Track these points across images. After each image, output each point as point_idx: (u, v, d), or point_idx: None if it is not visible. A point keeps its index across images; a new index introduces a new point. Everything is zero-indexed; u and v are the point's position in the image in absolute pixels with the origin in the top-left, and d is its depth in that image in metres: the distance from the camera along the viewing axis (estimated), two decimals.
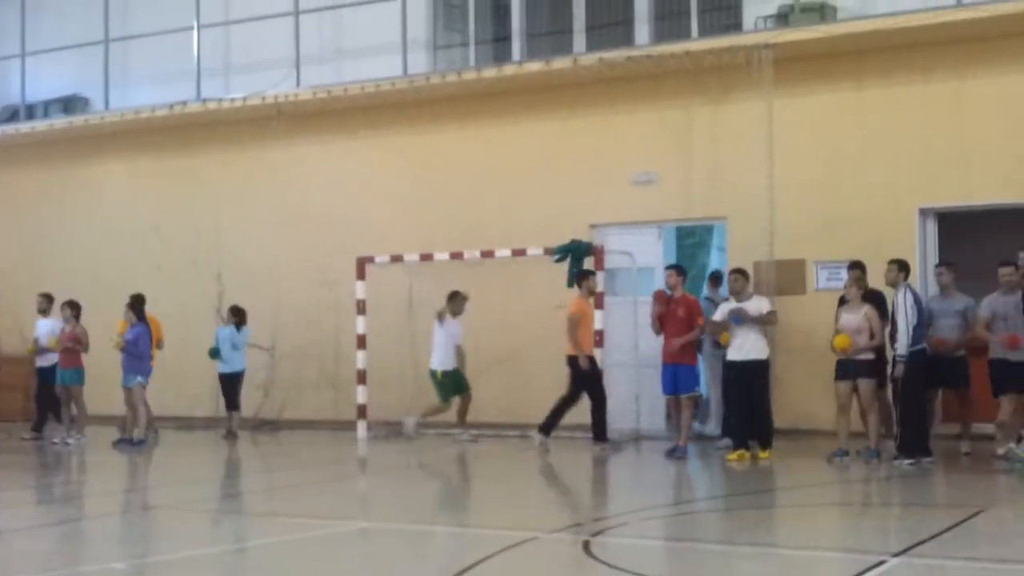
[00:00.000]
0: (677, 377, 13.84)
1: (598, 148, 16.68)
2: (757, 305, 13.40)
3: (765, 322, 13.40)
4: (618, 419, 15.71)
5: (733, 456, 13.21)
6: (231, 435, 16.59)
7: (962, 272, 13.68)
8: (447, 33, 18.66)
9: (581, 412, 15.35)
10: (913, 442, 12.50)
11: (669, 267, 14.67)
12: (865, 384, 12.87)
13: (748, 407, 13.38)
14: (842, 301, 13.40)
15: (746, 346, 13.30)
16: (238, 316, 16.93)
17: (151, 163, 20.10)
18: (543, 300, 16.29)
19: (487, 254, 16.20)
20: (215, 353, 16.81)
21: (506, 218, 17.00)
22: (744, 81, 15.18)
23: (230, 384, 16.84)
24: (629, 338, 15.83)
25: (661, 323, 13.94)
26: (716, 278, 15.90)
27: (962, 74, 14.78)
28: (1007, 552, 8.24)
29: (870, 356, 12.88)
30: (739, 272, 13.72)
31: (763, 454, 13.19)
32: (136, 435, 15.62)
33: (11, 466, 14.39)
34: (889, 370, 12.82)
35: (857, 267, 13.40)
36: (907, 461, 12.42)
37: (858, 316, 12.90)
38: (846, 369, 12.93)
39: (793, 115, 15.36)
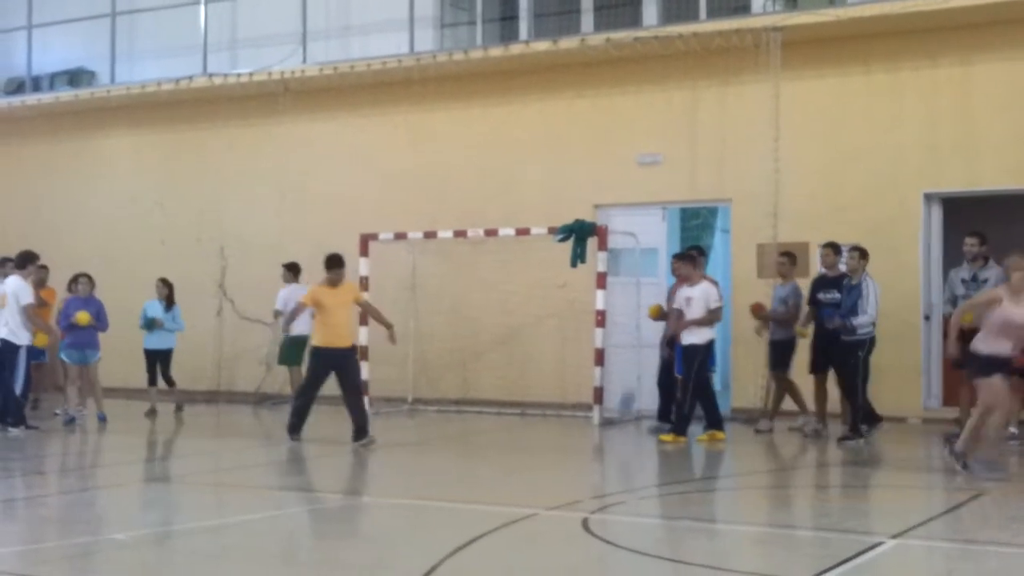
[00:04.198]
0: None
1: (604, 129, 16.68)
2: (704, 291, 13.35)
3: (703, 323, 13.32)
4: (618, 399, 15.82)
5: (704, 437, 13.42)
6: (177, 409, 16.45)
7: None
8: (454, 11, 18.65)
9: (582, 391, 15.43)
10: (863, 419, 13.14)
11: (689, 249, 14.64)
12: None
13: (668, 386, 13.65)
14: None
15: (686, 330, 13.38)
16: (169, 291, 16.52)
17: (156, 137, 20.12)
18: (546, 279, 16.33)
19: (491, 232, 16.22)
20: (150, 324, 16.32)
21: (510, 197, 17.02)
22: (752, 64, 15.19)
23: (161, 360, 16.49)
24: (631, 319, 15.85)
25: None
26: None
27: (969, 60, 14.77)
28: (1005, 535, 8.26)
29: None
30: (681, 257, 13.67)
31: (662, 437, 13.29)
32: (80, 411, 15.59)
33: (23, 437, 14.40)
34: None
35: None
36: (861, 440, 12.99)
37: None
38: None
39: (800, 98, 15.36)
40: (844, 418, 13.53)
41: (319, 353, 13.27)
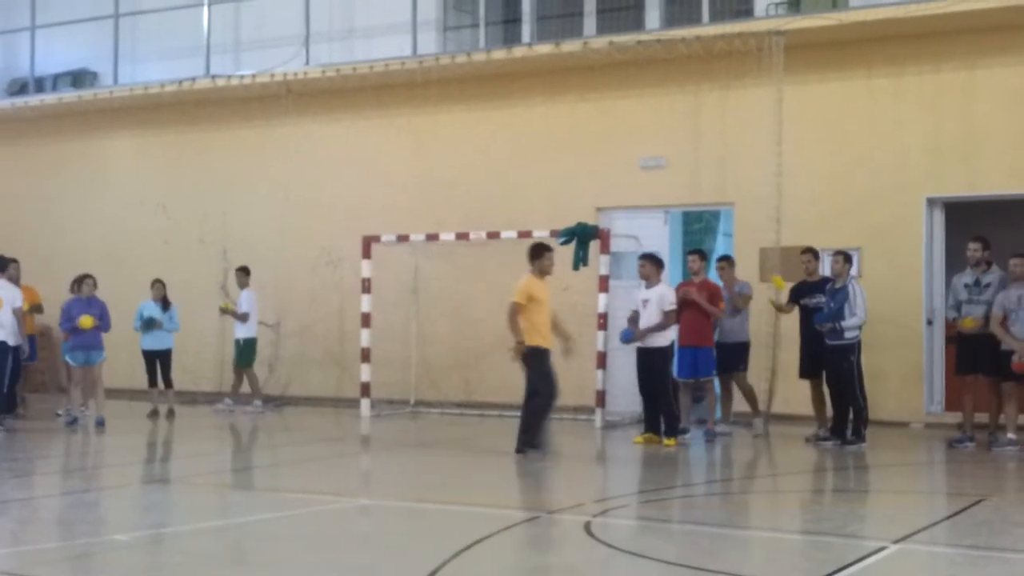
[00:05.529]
0: (696, 360, 13.84)
1: (607, 132, 16.69)
2: (660, 294, 13.37)
3: (660, 328, 13.32)
4: (620, 402, 15.80)
5: (639, 439, 13.55)
6: (169, 413, 16.41)
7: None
8: (457, 14, 18.65)
9: (584, 393, 15.42)
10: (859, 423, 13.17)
11: (692, 252, 14.63)
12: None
13: (649, 393, 13.57)
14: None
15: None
16: (164, 293, 16.59)
17: (159, 139, 20.13)
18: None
19: (493, 235, 16.21)
20: (149, 325, 16.36)
21: (513, 200, 17.02)
22: (754, 67, 15.17)
23: (161, 360, 16.49)
24: None
25: (681, 307, 13.92)
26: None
27: (972, 64, 14.77)
28: (1008, 541, 8.25)
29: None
30: (647, 258, 13.69)
31: (667, 442, 13.25)
32: (83, 412, 15.59)
33: (20, 438, 14.41)
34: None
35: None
36: (862, 444, 12.99)
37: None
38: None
39: (803, 102, 15.35)
40: (822, 421, 13.71)
41: (545, 353, 12.26)
